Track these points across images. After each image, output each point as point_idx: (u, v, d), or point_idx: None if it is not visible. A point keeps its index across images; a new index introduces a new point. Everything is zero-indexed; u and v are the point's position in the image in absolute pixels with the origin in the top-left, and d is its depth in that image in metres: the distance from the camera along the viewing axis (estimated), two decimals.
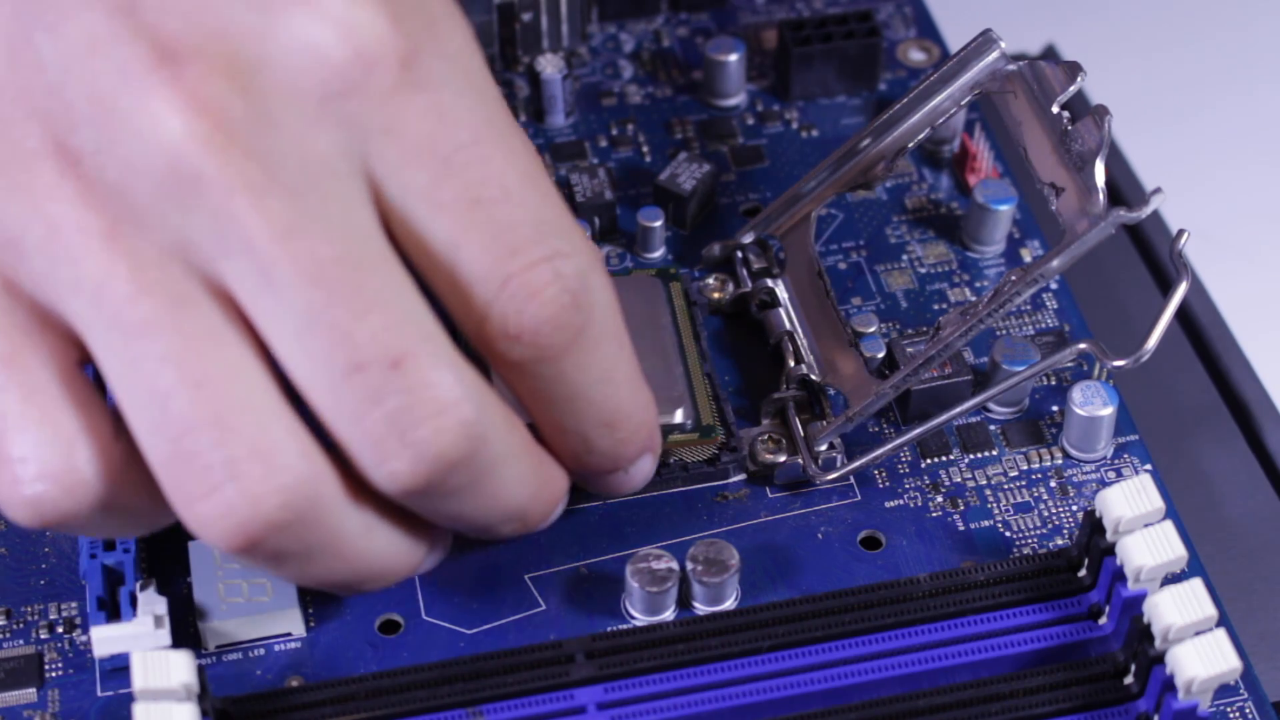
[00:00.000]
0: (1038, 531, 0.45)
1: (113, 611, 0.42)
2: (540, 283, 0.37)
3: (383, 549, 0.39)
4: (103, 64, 0.35)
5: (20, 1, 0.35)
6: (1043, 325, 0.49)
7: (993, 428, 0.47)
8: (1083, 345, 0.44)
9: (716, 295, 0.49)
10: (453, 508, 0.38)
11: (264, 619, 0.42)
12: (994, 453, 0.46)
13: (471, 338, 0.38)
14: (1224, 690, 0.41)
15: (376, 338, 0.35)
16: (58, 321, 0.36)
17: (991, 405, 0.47)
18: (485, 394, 0.37)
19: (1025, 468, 0.46)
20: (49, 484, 0.36)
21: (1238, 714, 0.41)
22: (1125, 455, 0.46)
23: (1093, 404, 0.45)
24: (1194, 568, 0.43)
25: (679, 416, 0.45)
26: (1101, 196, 0.42)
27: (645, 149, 0.54)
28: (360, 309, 0.35)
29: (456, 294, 0.37)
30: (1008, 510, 0.45)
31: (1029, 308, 0.50)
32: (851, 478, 0.46)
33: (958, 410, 0.45)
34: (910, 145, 0.48)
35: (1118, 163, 0.56)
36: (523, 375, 0.38)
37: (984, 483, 0.46)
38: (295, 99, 0.35)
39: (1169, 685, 0.38)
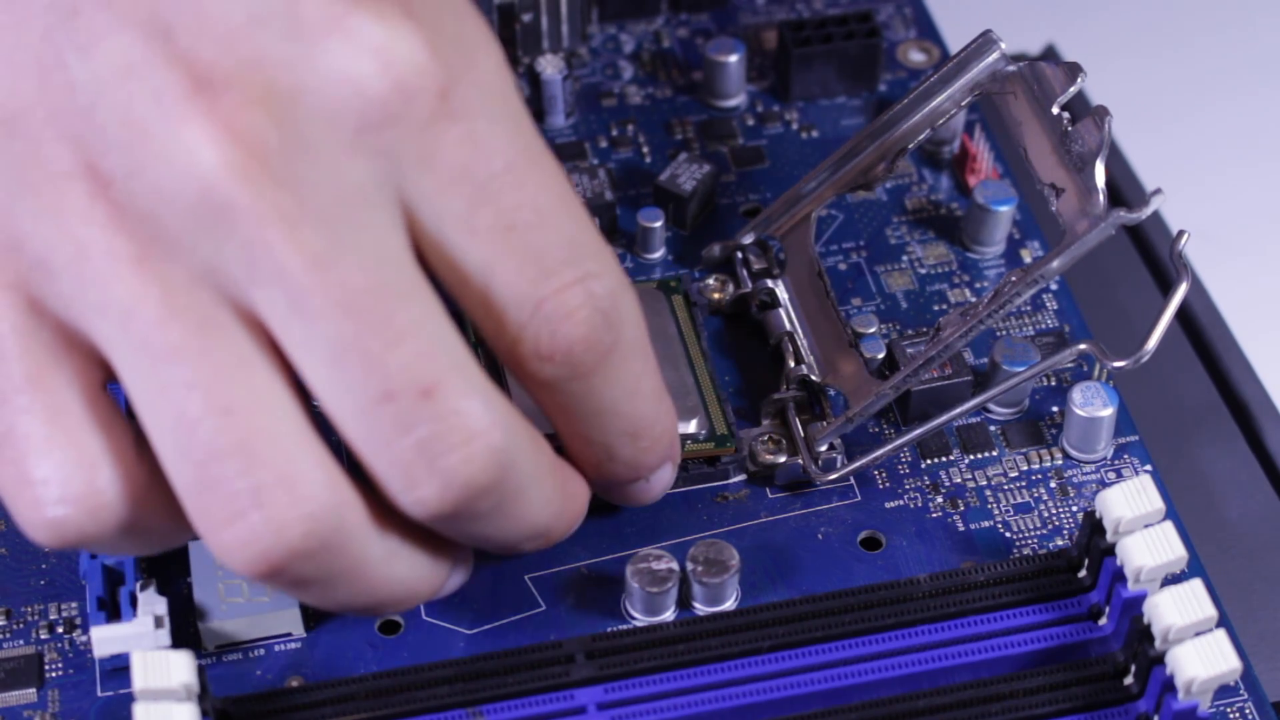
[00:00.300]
0: (1038, 532, 0.45)
1: (113, 611, 0.42)
2: (574, 304, 0.37)
3: (406, 574, 0.39)
4: (136, 89, 0.35)
5: (52, 22, 0.35)
6: (1043, 326, 0.49)
7: (993, 428, 0.47)
8: (1083, 346, 0.44)
9: (716, 296, 0.49)
10: (479, 530, 0.38)
11: (264, 619, 0.42)
12: (994, 453, 0.46)
13: (503, 357, 0.38)
14: (1224, 691, 0.41)
15: (407, 367, 0.35)
16: (84, 342, 0.36)
17: (992, 406, 0.47)
18: (514, 419, 0.37)
19: (1025, 468, 0.46)
20: (71, 507, 0.36)
21: (1238, 714, 0.41)
22: (1125, 456, 0.46)
23: (1093, 405, 0.45)
24: (1194, 568, 0.43)
25: (693, 427, 0.45)
26: (1102, 197, 0.42)
27: (645, 149, 0.54)
28: (392, 338, 0.35)
29: (490, 317, 0.37)
30: (1008, 511, 0.45)
31: (1029, 308, 0.50)
32: (851, 478, 0.46)
33: (958, 411, 0.45)
34: (910, 146, 0.48)
35: (1118, 163, 0.56)
36: (552, 391, 0.38)
37: (984, 483, 0.46)
38: (332, 130, 0.35)
39: (1169, 686, 0.38)
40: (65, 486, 0.36)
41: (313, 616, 0.43)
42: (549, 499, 0.39)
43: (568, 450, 0.40)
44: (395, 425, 0.35)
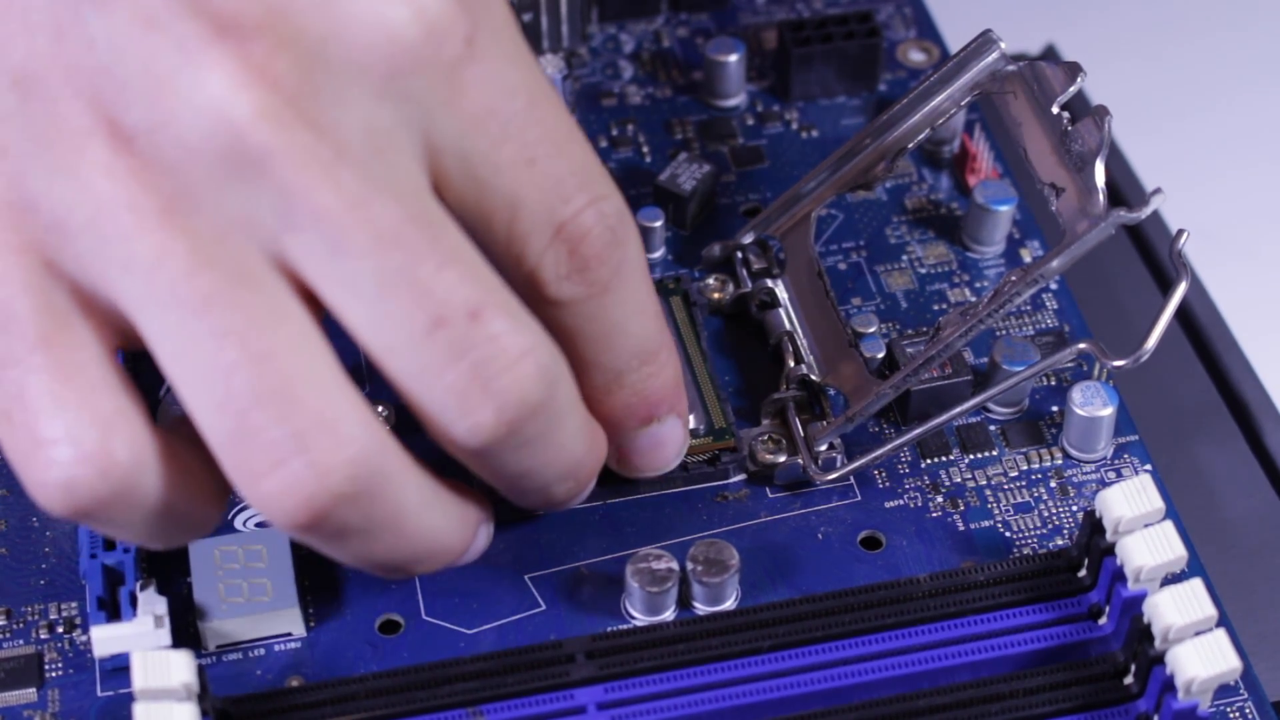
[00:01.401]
0: (1038, 532, 0.45)
1: (113, 611, 0.42)
2: (589, 223, 0.38)
3: (440, 524, 0.39)
4: (159, 40, 0.34)
5: None
6: (1042, 325, 0.49)
7: (993, 428, 0.47)
8: (1082, 345, 0.44)
9: (716, 296, 0.49)
10: (523, 462, 0.38)
11: (264, 619, 0.42)
12: (994, 453, 0.46)
13: (521, 284, 0.38)
14: (1224, 690, 0.41)
15: (455, 291, 0.36)
16: (100, 304, 0.36)
17: (991, 405, 0.47)
18: (550, 340, 0.38)
19: (1025, 468, 0.46)
20: (84, 467, 0.35)
21: (1237, 714, 0.41)
22: (1125, 455, 0.46)
23: (1093, 404, 0.45)
24: (1194, 568, 0.43)
25: (691, 422, 0.45)
26: (1101, 197, 0.42)
27: (645, 149, 0.54)
28: (436, 265, 0.36)
29: (512, 247, 0.38)
30: (1008, 510, 0.45)
31: (1029, 308, 0.50)
32: (851, 478, 0.46)
33: (958, 410, 0.45)
34: (910, 146, 0.48)
35: (1118, 163, 0.56)
36: (566, 313, 0.39)
37: (984, 483, 0.46)
38: (362, 75, 0.35)
39: (1169, 685, 0.38)
40: (78, 446, 0.35)
41: (313, 616, 0.43)
42: (583, 429, 0.40)
43: (580, 388, 0.40)
44: (448, 351, 0.36)
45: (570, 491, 0.41)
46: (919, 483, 0.46)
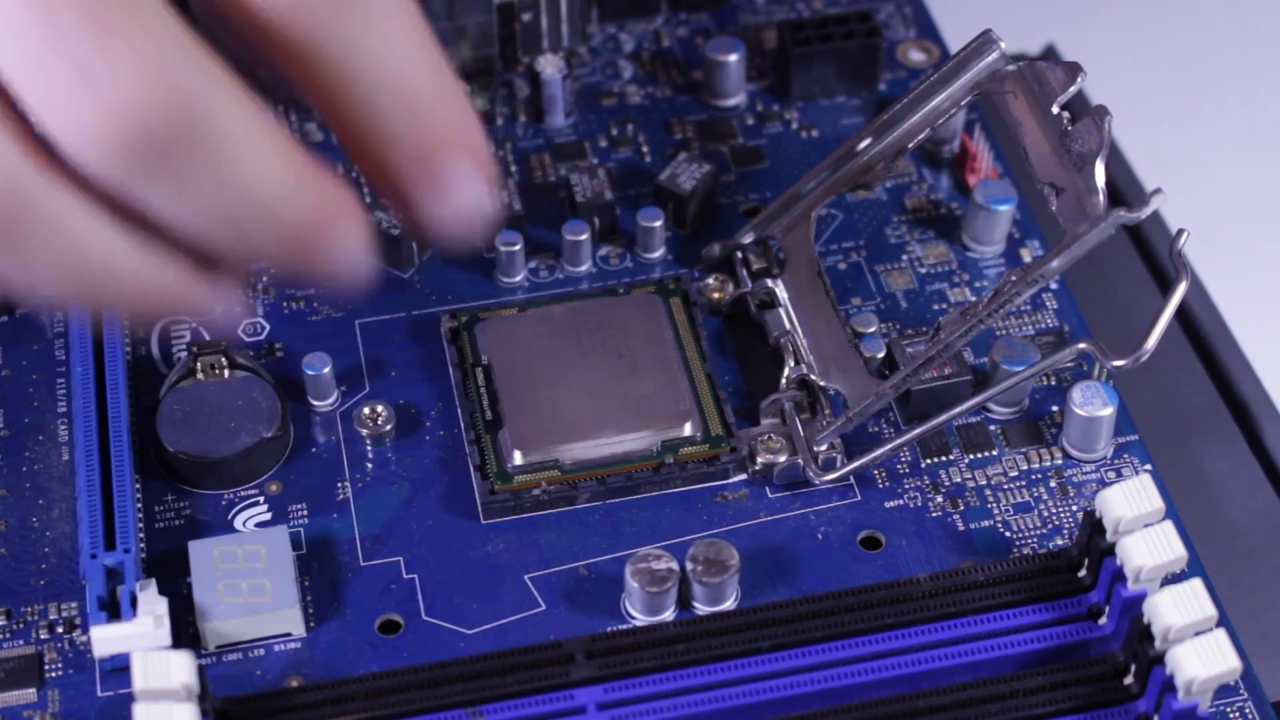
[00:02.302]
0: (1038, 531, 0.45)
1: (113, 611, 0.42)
2: None
3: (116, 247, 0.35)
4: None
5: None
6: (1042, 325, 0.49)
7: (993, 428, 0.47)
8: (1082, 345, 0.44)
9: (716, 295, 0.49)
10: (180, 193, 0.34)
11: (264, 619, 0.42)
12: (994, 453, 0.46)
13: (246, 28, 0.35)
14: (1224, 690, 0.41)
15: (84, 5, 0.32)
16: None
17: (991, 405, 0.47)
18: (214, 66, 0.34)
19: (1025, 468, 0.46)
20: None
21: (1237, 714, 0.41)
22: (1125, 455, 0.46)
23: (1093, 404, 0.45)
24: (1194, 568, 0.43)
25: (689, 429, 0.45)
26: (1101, 197, 0.42)
27: (645, 149, 0.54)
28: None
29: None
30: (1008, 510, 0.45)
31: (1029, 308, 0.50)
32: (851, 478, 0.46)
33: (958, 410, 0.45)
34: (910, 145, 0.48)
35: (1118, 163, 0.56)
36: (303, 65, 0.35)
37: (984, 483, 0.46)
38: None
39: (1169, 685, 0.38)
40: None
41: (313, 616, 0.43)
42: (269, 163, 0.35)
43: (355, 157, 0.36)
44: (54, 49, 0.32)
45: (292, 255, 0.36)
46: (919, 483, 0.46)
